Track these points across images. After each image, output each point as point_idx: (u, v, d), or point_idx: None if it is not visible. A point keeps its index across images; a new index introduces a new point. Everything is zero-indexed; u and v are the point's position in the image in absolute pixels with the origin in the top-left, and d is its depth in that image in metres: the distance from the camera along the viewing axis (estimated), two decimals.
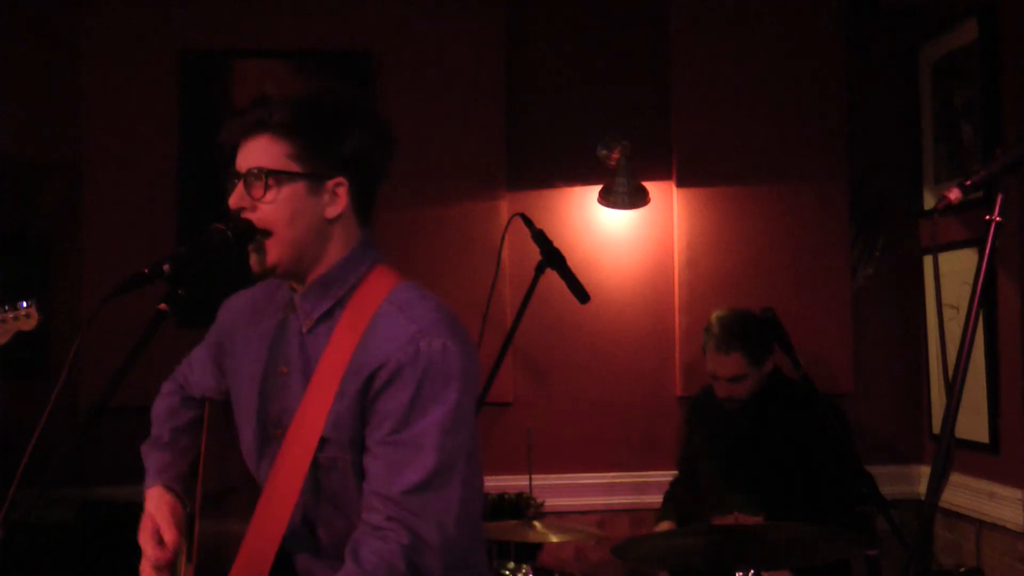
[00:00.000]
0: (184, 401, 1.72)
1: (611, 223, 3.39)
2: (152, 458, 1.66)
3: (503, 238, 2.90)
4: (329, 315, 1.48)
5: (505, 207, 3.32)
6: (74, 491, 3.02)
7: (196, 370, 1.71)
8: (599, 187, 3.31)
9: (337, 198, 1.46)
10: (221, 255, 1.42)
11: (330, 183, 1.46)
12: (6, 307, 2.46)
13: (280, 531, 1.42)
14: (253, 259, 1.46)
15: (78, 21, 3.26)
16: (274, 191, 1.44)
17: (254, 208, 1.45)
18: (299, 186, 1.45)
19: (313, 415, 1.43)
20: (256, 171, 1.44)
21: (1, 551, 1.20)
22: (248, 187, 1.45)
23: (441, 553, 1.39)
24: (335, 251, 1.49)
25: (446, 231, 3.29)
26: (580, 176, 3.37)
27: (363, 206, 1.51)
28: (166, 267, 1.37)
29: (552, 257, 2.67)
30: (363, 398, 1.42)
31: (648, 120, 3.41)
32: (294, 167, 1.44)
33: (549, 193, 3.39)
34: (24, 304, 2.47)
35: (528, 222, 2.72)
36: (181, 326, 2.52)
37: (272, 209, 1.44)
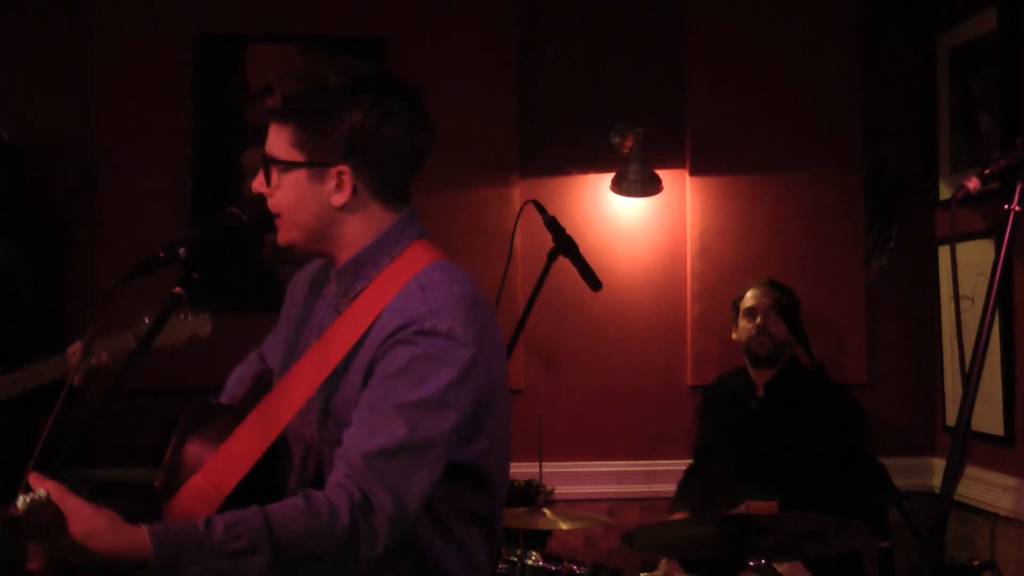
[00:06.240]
0: (259, 375, 1.68)
1: (624, 211, 3.37)
2: None
3: (515, 225, 2.89)
4: (362, 293, 1.47)
5: (517, 194, 3.31)
6: (88, 472, 3.04)
7: (272, 338, 1.69)
8: (612, 174, 3.30)
9: (343, 185, 1.43)
10: (236, 239, 1.43)
11: (333, 170, 1.42)
12: (185, 312, 2.45)
13: (242, 471, 1.38)
14: (274, 237, 1.47)
15: (93, 5, 3.26)
16: (279, 178, 1.44)
17: (271, 193, 1.46)
18: (301, 174, 1.43)
19: (311, 371, 1.41)
20: (265, 158, 1.45)
21: (16, 533, 1.20)
22: (265, 172, 1.46)
23: (392, 524, 1.32)
24: (359, 236, 1.46)
25: (458, 218, 3.29)
26: (593, 163, 3.36)
27: (385, 190, 1.45)
28: (182, 250, 1.38)
29: (564, 244, 2.66)
30: (366, 374, 1.41)
31: (661, 107, 3.40)
32: (295, 154, 1.43)
33: (562, 180, 3.38)
34: (203, 313, 2.47)
35: (540, 209, 2.71)
36: (194, 310, 2.53)
37: (281, 195, 1.45)
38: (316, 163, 1.42)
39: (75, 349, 2.40)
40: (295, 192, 1.44)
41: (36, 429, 1.30)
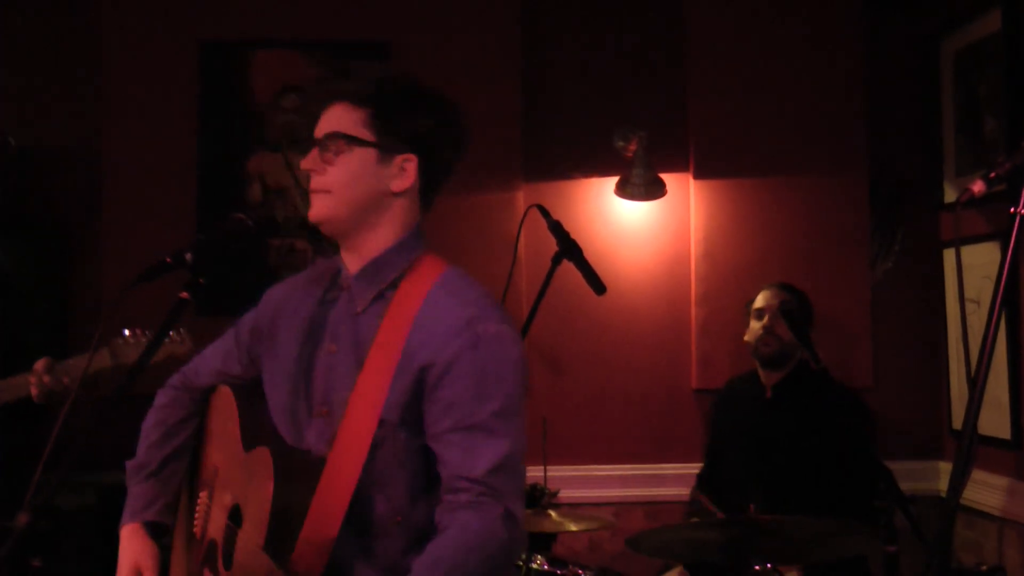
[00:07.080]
0: (182, 421, 1.72)
1: (628, 215, 3.38)
2: (135, 489, 1.68)
3: (519, 229, 2.89)
4: (382, 296, 1.53)
5: (522, 198, 3.32)
6: (95, 476, 3.04)
7: (217, 358, 1.71)
8: (616, 178, 3.30)
9: (405, 173, 1.52)
10: (241, 244, 1.44)
11: (399, 158, 1.51)
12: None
13: (342, 512, 1.44)
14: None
15: (99, 11, 3.28)
16: (345, 154, 1.50)
17: (324, 171, 1.51)
18: (369, 153, 1.51)
19: (371, 396, 1.46)
20: (332, 134, 1.50)
21: (26, 535, 1.21)
22: (323, 150, 1.51)
23: (523, 525, 1.45)
24: (392, 229, 1.54)
25: (463, 222, 3.29)
26: (597, 167, 3.36)
27: (428, 190, 1.56)
28: (188, 256, 1.39)
29: (569, 248, 2.66)
30: (420, 383, 1.46)
31: (665, 111, 3.40)
32: (367, 135, 1.51)
33: (566, 184, 3.38)
34: (181, 330, 2.46)
35: (545, 213, 2.71)
36: (199, 314, 2.54)
37: (339, 171, 1.50)
38: (386, 146, 1.50)
39: (40, 366, 2.41)
40: (357, 169, 1.50)
41: (43, 434, 1.30)
